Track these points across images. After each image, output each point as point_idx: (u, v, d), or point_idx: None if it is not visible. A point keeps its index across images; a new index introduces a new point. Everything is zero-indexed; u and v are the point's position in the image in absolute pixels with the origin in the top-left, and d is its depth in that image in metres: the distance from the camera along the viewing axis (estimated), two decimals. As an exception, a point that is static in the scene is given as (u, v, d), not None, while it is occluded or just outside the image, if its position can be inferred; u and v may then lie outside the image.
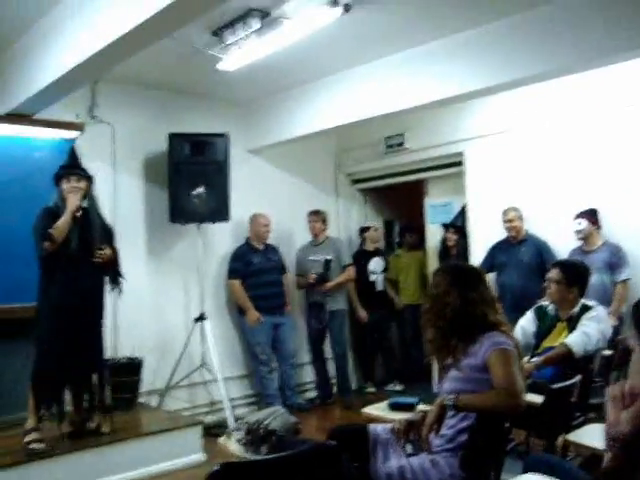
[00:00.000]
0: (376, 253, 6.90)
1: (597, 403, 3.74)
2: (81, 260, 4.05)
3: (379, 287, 6.83)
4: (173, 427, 4.63)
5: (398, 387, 6.78)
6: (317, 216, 6.42)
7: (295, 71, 5.33)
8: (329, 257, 6.14)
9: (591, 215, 5.04)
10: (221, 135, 5.57)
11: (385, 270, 6.90)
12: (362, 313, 6.59)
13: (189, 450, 4.56)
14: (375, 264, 6.80)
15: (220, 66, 4.44)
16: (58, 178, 4.14)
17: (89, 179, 4.24)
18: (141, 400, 5.22)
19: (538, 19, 4.13)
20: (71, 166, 4.23)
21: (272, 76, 5.38)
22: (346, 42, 4.70)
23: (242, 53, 4.39)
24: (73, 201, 4.03)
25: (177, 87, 5.65)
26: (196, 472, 4.34)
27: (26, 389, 4.05)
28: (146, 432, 4.56)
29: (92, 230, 4.12)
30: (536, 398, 2.94)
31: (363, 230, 6.98)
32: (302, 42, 4.37)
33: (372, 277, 6.76)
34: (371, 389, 6.80)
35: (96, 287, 4.21)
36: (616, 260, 4.89)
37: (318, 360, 6.52)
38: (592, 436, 2.55)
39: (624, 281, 4.86)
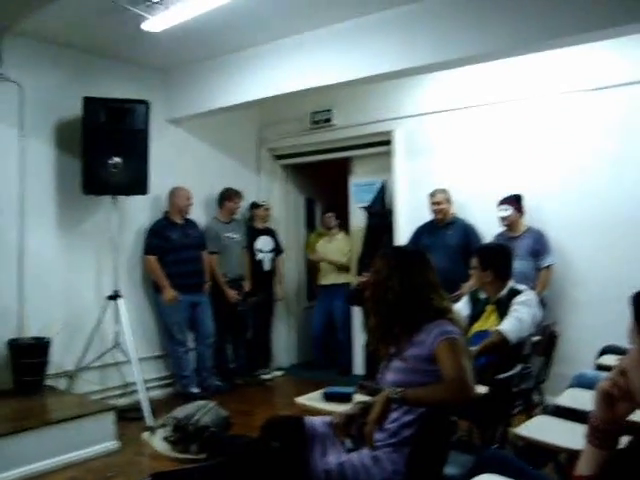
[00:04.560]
0: (265, 231, 6.66)
1: (526, 388, 3.75)
2: None
3: (266, 267, 6.57)
4: (84, 413, 4.29)
5: (276, 373, 6.72)
6: (241, 198, 6.31)
7: (221, 39, 5.07)
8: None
9: (516, 201, 5.05)
10: (142, 102, 5.20)
11: (276, 250, 6.67)
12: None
13: (102, 437, 4.26)
14: (263, 242, 6.56)
15: (145, 26, 4.11)
16: None
17: None
18: (48, 383, 4.86)
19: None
20: None
21: (196, 43, 5.11)
22: (274, 12, 4.51)
23: (169, 13, 4.09)
24: None
25: (95, 47, 5.24)
26: (110, 460, 4.10)
27: None
28: (54, 419, 4.18)
29: None
30: (478, 388, 2.85)
31: (253, 206, 6.64)
32: (229, 7, 4.09)
33: (259, 255, 6.51)
34: (266, 376, 6.54)
35: None
36: (539, 247, 4.93)
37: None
38: (542, 431, 2.47)
39: (547, 267, 4.90)
